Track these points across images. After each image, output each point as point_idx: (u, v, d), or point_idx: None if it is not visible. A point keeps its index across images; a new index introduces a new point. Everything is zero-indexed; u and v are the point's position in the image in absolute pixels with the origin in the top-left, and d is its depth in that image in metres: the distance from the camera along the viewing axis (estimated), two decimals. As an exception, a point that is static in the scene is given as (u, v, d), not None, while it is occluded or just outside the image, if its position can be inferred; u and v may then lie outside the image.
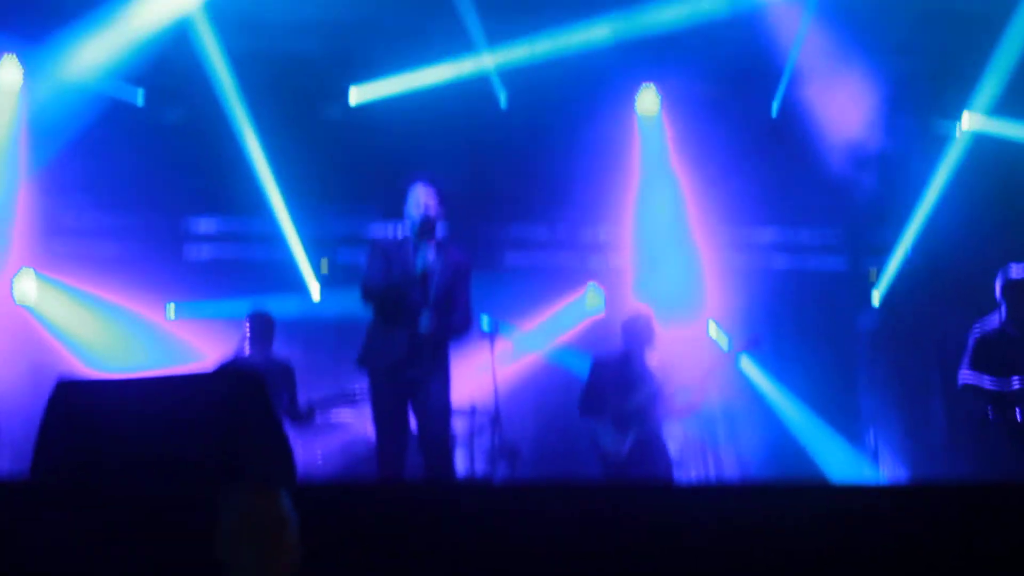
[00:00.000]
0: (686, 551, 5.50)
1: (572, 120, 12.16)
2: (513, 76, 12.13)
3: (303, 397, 9.99)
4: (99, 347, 11.86)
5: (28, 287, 11.86)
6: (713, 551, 5.50)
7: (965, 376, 8.82)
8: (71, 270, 11.94)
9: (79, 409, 5.92)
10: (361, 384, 9.07)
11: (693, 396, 10.01)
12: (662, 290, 12.11)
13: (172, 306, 12.21)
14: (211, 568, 4.36)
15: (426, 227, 8.24)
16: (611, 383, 9.89)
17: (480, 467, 10.43)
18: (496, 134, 12.18)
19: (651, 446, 9.80)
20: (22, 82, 11.79)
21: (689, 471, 11.19)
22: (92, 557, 5.19)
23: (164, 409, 5.79)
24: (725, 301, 12.31)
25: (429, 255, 8.22)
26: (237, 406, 5.82)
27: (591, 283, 12.59)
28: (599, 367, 10.04)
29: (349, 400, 10.16)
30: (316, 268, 12.36)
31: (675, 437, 10.78)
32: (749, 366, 12.31)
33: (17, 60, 11.73)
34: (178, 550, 5.12)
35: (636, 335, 10.05)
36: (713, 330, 12.24)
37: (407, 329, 8.12)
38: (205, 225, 12.54)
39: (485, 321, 9.24)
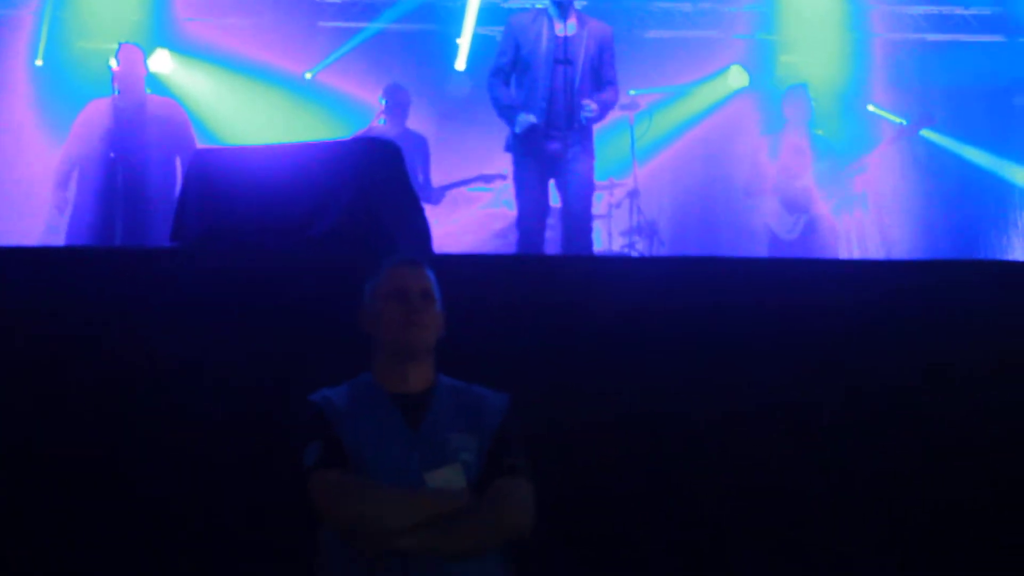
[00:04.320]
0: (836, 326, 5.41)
1: None
2: None
3: (439, 175, 9.96)
4: (236, 118, 11.87)
5: (164, 63, 11.82)
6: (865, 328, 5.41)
7: None
8: (205, 46, 11.89)
9: (217, 177, 5.92)
10: (498, 167, 9.02)
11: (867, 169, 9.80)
12: (813, 69, 11.74)
13: (309, 73, 12.13)
14: (351, 337, 4.33)
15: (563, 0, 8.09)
16: (779, 163, 9.71)
17: (617, 242, 10.38)
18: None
19: (822, 226, 9.66)
20: None
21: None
22: (229, 321, 5.21)
23: (302, 175, 5.76)
24: (880, 79, 11.90)
25: (569, 27, 8.07)
26: (375, 174, 5.77)
27: (735, 64, 12.24)
28: (767, 146, 9.86)
29: (486, 180, 10.14)
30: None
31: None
32: (935, 136, 11.89)
33: None
34: (315, 317, 5.13)
35: (798, 111, 9.83)
36: (873, 109, 11.84)
37: (547, 106, 8.02)
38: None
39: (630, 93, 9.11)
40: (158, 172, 8.96)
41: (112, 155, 8.73)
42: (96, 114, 9.05)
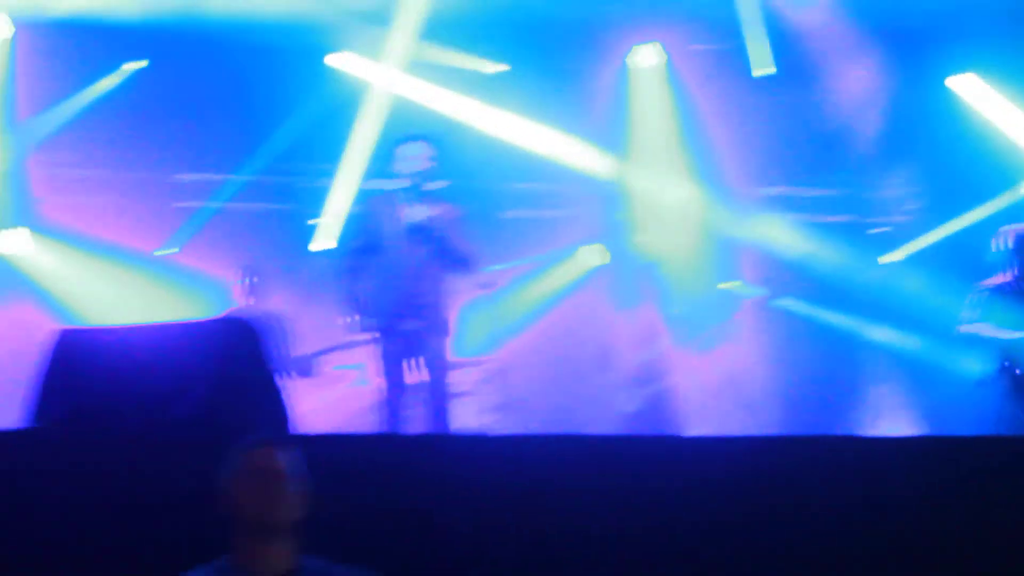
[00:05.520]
0: (689, 505, 5.47)
1: (567, 77, 12.08)
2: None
3: (301, 349, 9.99)
4: (96, 298, 11.80)
5: (21, 243, 11.75)
6: (718, 505, 5.49)
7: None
8: (61, 224, 11.85)
9: (79, 358, 5.90)
10: (356, 335, 9.08)
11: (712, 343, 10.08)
12: (669, 245, 12.03)
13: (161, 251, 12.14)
14: (215, 518, 4.32)
15: (417, 183, 8.30)
16: (628, 337, 9.94)
17: (487, 418, 10.44)
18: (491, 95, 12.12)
19: (667, 399, 9.84)
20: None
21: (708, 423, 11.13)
22: (92, 504, 5.16)
23: (162, 356, 5.77)
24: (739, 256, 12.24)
25: (419, 210, 8.26)
26: (231, 354, 5.80)
27: (586, 245, 12.45)
28: (617, 322, 10.09)
29: (345, 348, 10.18)
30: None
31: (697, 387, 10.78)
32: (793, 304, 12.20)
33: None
34: (179, 501, 5.09)
35: (651, 288, 10.09)
36: (738, 286, 12.12)
37: (399, 285, 8.17)
38: (196, 177, 12.42)
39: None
40: None
41: None
42: None
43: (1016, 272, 8.90)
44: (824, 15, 11.77)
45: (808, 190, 12.90)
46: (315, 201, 12.20)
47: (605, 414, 10.13)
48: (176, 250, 12.11)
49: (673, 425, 9.79)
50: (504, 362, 10.11)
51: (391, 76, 11.79)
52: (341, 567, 4.30)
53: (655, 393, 9.86)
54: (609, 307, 10.74)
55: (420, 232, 8.25)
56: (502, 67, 12.19)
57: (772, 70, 12.00)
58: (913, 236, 12.58)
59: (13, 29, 11.57)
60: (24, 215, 11.80)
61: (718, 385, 11.30)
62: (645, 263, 10.63)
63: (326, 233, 12.04)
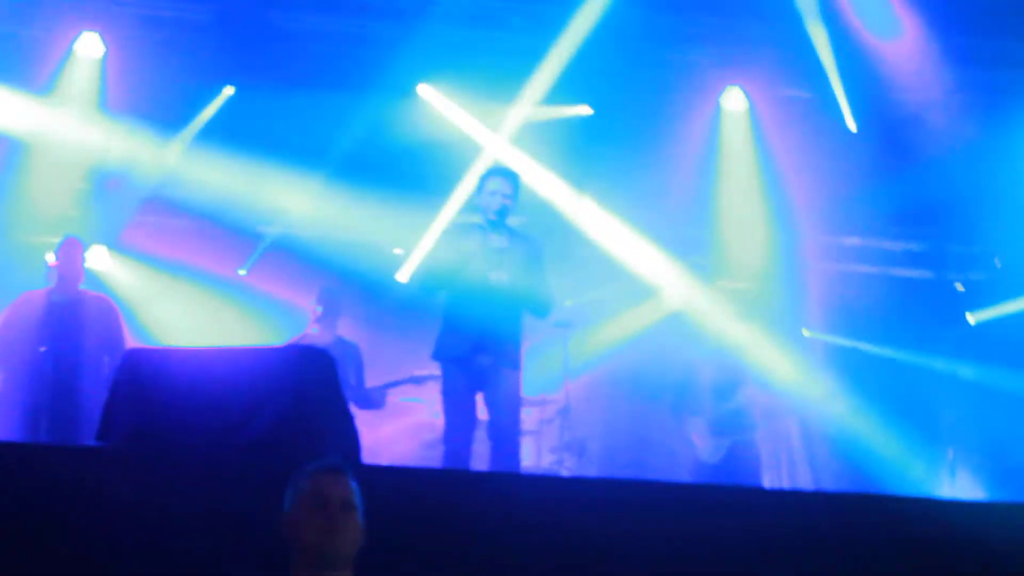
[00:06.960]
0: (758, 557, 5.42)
1: (657, 119, 11.97)
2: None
3: (371, 380, 9.99)
4: (171, 318, 11.86)
5: (100, 260, 11.83)
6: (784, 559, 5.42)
7: None
8: (143, 244, 11.92)
9: (148, 377, 5.92)
10: (430, 368, 9.07)
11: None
12: (743, 294, 11.95)
13: (242, 270, 12.17)
14: (274, 544, 4.28)
15: (500, 215, 8.22)
16: (708, 385, 9.86)
17: (546, 459, 10.39)
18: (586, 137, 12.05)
19: (746, 453, 9.76)
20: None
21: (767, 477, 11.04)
22: (153, 524, 5.15)
23: (234, 380, 5.77)
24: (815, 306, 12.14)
25: (500, 241, 8.20)
26: (307, 382, 5.79)
27: (665, 287, 12.35)
28: (695, 368, 10.00)
29: (417, 382, 10.16)
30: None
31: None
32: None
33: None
34: (240, 525, 5.07)
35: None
36: (808, 334, 12.04)
37: (477, 315, 8.10)
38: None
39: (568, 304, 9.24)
40: (88, 369, 8.91)
41: (43, 349, 8.73)
42: (27, 306, 9.04)
43: None
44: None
45: (888, 242, 12.77)
46: (402, 231, 12.16)
47: (673, 461, 10.02)
48: (244, 272, 12.16)
49: (751, 477, 9.67)
50: (568, 402, 10.04)
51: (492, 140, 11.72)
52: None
53: (737, 443, 9.75)
54: (687, 351, 10.62)
55: (498, 263, 8.16)
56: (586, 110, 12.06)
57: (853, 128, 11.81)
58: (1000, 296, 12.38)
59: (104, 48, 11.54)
60: (105, 233, 11.88)
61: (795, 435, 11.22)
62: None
63: (411, 264, 12.00)
